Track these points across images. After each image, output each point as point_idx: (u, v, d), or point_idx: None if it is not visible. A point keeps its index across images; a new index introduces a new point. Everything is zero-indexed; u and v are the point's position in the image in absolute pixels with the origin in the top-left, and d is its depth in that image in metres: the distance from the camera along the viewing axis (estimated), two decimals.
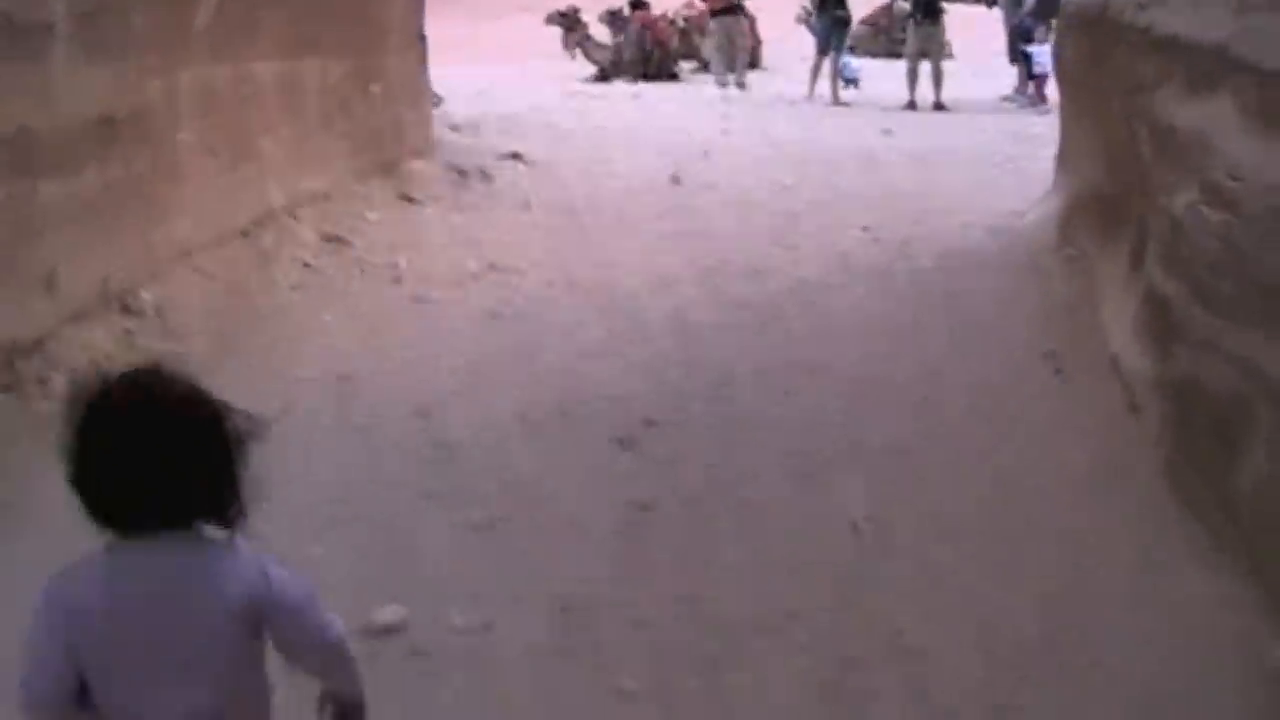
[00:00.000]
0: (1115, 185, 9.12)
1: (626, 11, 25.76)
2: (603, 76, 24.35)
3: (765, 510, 6.51)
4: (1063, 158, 11.74)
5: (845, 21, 23.01)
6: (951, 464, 6.98)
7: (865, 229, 12.33)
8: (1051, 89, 17.86)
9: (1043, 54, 21.17)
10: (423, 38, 14.93)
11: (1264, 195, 5.53)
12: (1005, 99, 21.95)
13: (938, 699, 4.82)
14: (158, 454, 2.66)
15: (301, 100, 11.61)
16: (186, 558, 2.75)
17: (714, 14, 24.15)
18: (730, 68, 23.82)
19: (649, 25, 25.05)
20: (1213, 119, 6.46)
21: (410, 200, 12.94)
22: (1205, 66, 6.81)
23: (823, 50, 22.46)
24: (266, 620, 2.81)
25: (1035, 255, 10.75)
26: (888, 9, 28.72)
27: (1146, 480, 6.42)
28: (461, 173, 14.09)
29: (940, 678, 4.96)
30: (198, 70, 9.66)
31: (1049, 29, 21.32)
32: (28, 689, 2.74)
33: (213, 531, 2.78)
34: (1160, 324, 6.84)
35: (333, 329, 9.33)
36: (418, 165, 13.97)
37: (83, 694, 2.75)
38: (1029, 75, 21.62)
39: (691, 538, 6.26)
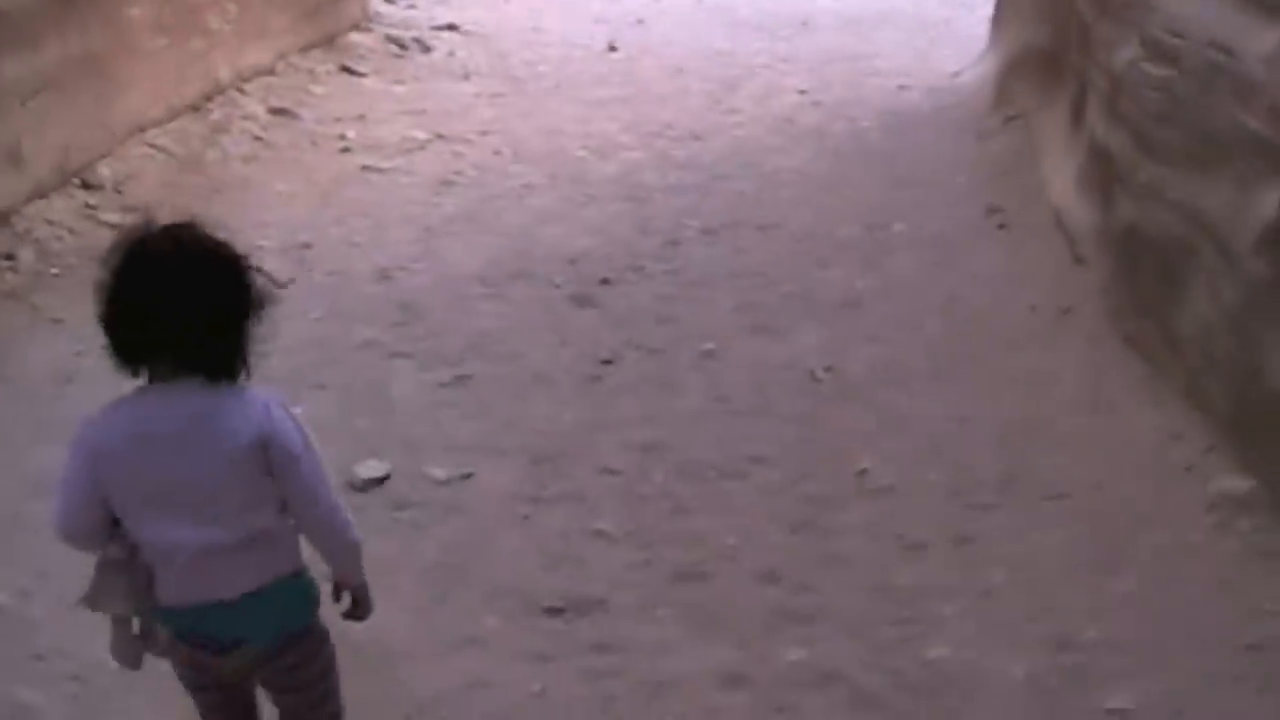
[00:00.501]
0: (1053, 45, 9.32)
1: None
2: None
3: (724, 361, 6.76)
4: (998, 19, 11.92)
5: None
6: (902, 315, 7.24)
7: (803, 92, 12.48)
8: None
9: None
10: None
11: (1203, 50, 5.74)
12: None
13: (905, 533, 5.09)
14: (184, 302, 2.81)
15: None
16: (202, 401, 2.88)
17: None
18: None
19: None
20: None
21: (352, 72, 12.97)
22: None
23: None
24: (269, 455, 2.92)
25: (972, 114, 10.93)
26: None
27: (1093, 325, 6.69)
28: (400, 44, 14.11)
29: (906, 513, 5.23)
30: None
31: None
32: (60, 520, 2.98)
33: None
34: (1104, 176, 7.08)
35: (288, 198, 9.44)
36: (357, 37, 13.98)
37: (117, 526, 2.98)
38: None
39: (654, 389, 6.50)
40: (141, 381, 2.92)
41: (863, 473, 5.54)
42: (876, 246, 8.31)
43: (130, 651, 3.15)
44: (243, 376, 2.94)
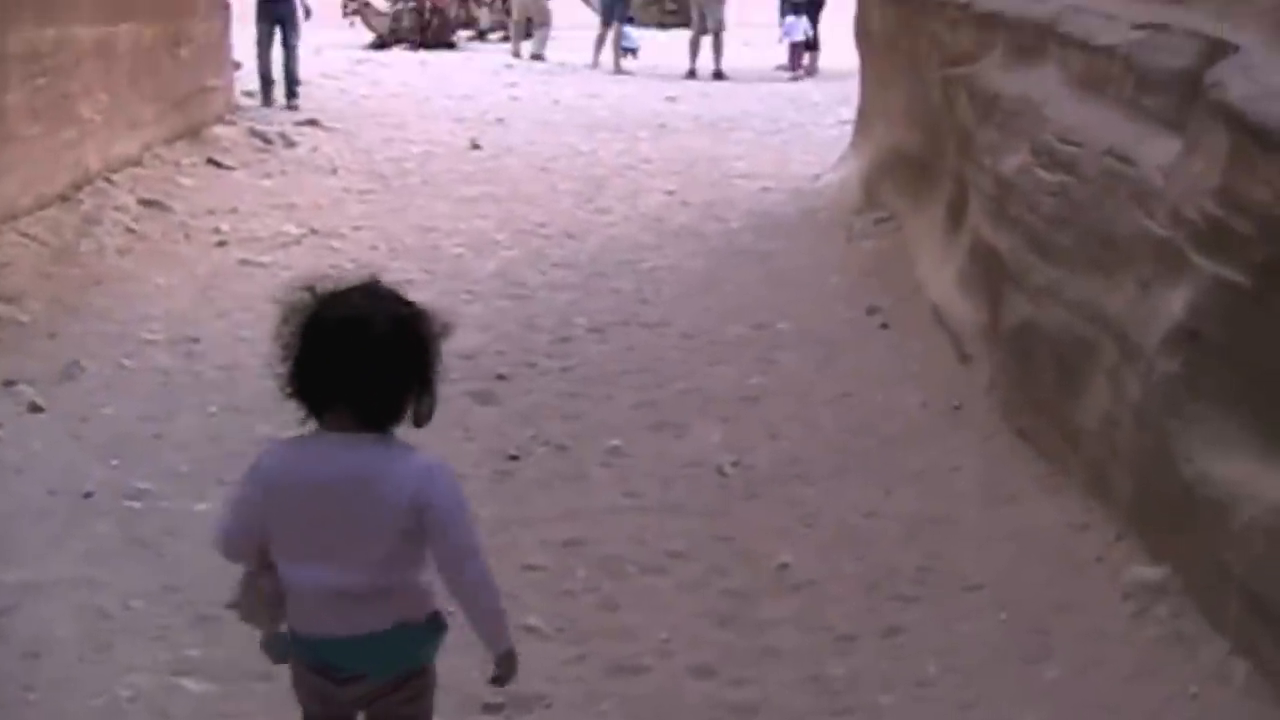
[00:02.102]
0: (926, 149, 9.62)
1: None
2: (381, 44, 24.30)
3: (631, 457, 6.82)
4: (863, 122, 12.27)
5: None
6: (799, 411, 7.38)
7: (670, 192, 12.73)
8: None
9: (794, 25, 21.92)
10: (226, 4, 14.90)
11: (1100, 158, 6.00)
12: (779, 68, 22.50)
13: (834, 625, 5.17)
14: (371, 359, 3.03)
15: (116, 64, 11.57)
16: (371, 454, 3.11)
17: None
18: (526, 36, 24.03)
19: None
20: (1040, 88, 6.95)
21: (219, 165, 12.97)
22: (1028, 40, 7.32)
23: (606, 21, 22.72)
24: (423, 518, 3.11)
25: (840, 216, 11.23)
26: None
27: (985, 421, 6.89)
28: (265, 138, 14.14)
29: (831, 606, 5.32)
30: (26, 33, 9.64)
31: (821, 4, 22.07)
32: (222, 535, 3.29)
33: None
34: (990, 277, 7.32)
35: (169, 291, 9.38)
36: (222, 130, 14.02)
37: (265, 554, 3.22)
38: (791, 45, 22.30)
39: (565, 485, 6.54)
40: (312, 427, 3.15)
41: (783, 567, 5.64)
42: (765, 345, 8.46)
43: (276, 648, 3.38)
44: (408, 428, 3.14)
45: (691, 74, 21.60)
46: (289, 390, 3.13)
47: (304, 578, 3.16)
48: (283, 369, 3.13)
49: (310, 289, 3.13)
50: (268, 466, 3.20)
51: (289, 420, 7.06)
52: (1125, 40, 6.07)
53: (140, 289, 9.42)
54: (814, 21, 22.27)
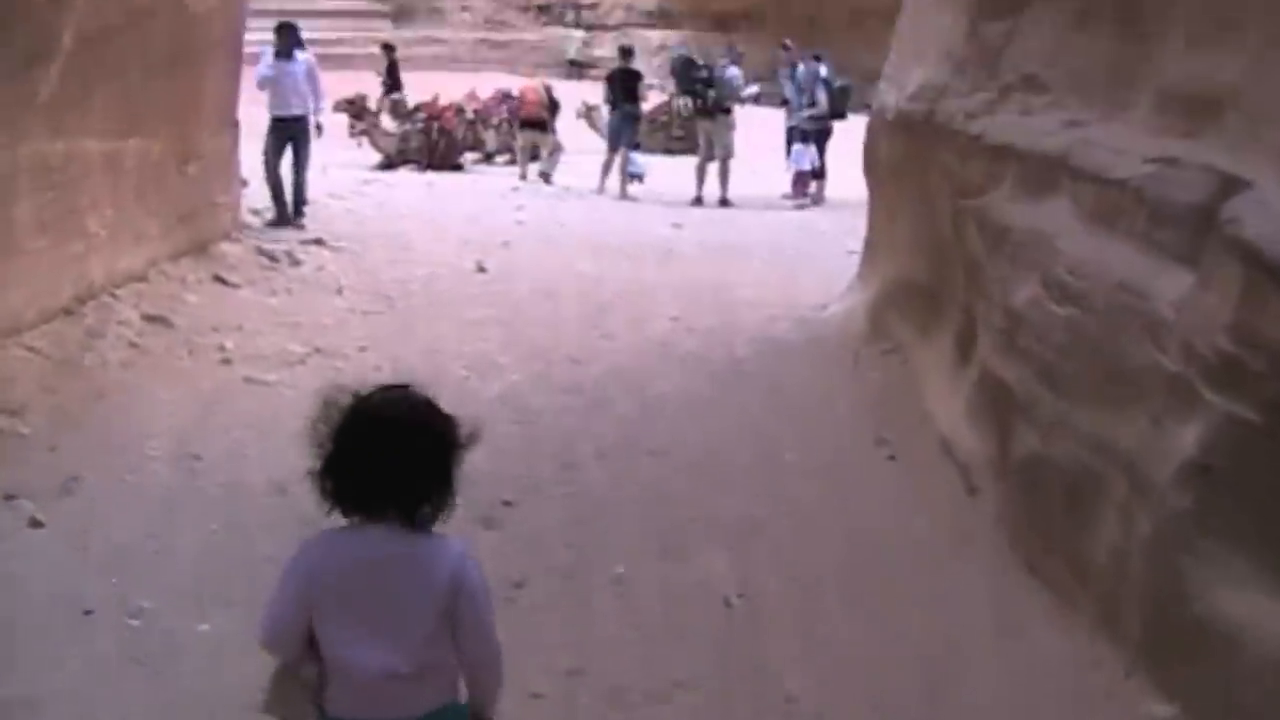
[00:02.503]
0: (934, 279, 9.64)
1: (410, 100, 25.97)
2: (388, 165, 24.43)
3: (635, 584, 6.76)
4: (870, 252, 12.30)
5: (635, 117, 23.46)
6: (805, 540, 7.32)
7: (675, 319, 12.71)
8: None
9: (801, 153, 22.07)
10: (236, 122, 14.99)
11: (1110, 291, 6.00)
12: (785, 196, 22.61)
13: None
14: (403, 458, 3.30)
15: (124, 179, 11.58)
16: (407, 541, 3.35)
17: (523, 125, 24.43)
18: (532, 159, 24.21)
19: (436, 116, 25.24)
20: (1051, 221, 6.97)
21: (225, 282, 12.97)
22: (1039, 173, 7.34)
23: (613, 146, 22.84)
24: (457, 598, 3.35)
25: (848, 345, 11.21)
26: (667, 105, 29.31)
27: (993, 553, 6.84)
28: (271, 257, 14.17)
29: None
30: (38, 145, 9.67)
31: (828, 133, 22.23)
32: (266, 626, 3.44)
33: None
34: (999, 409, 7.29)
35: (172, 407, 9.34)
36: (228, 248, 14.04)
37: (311, 643, 3.39)
38: (797, 173, 22.45)
39: (569, 612, 6.47)
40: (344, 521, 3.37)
41: (790, 699, 5.56)
42: (771, 473, 8.41)
43: None
44: (442, 516, 3.42)
45: (698, 201, 21.69)
46: (325, 488, 3.34)
47: (353, 660, 3.34)
48: (318, 467, 3.34)
49: (349, 392, 3.39)
50: (311, 555, 3.41)
51: (291, 538, 7.03)
52: (1138, 174, 6.10)
53: (143, 404, 9.38)
54: (821, 150, 22.42)
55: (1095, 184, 6.56)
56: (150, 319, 11.22)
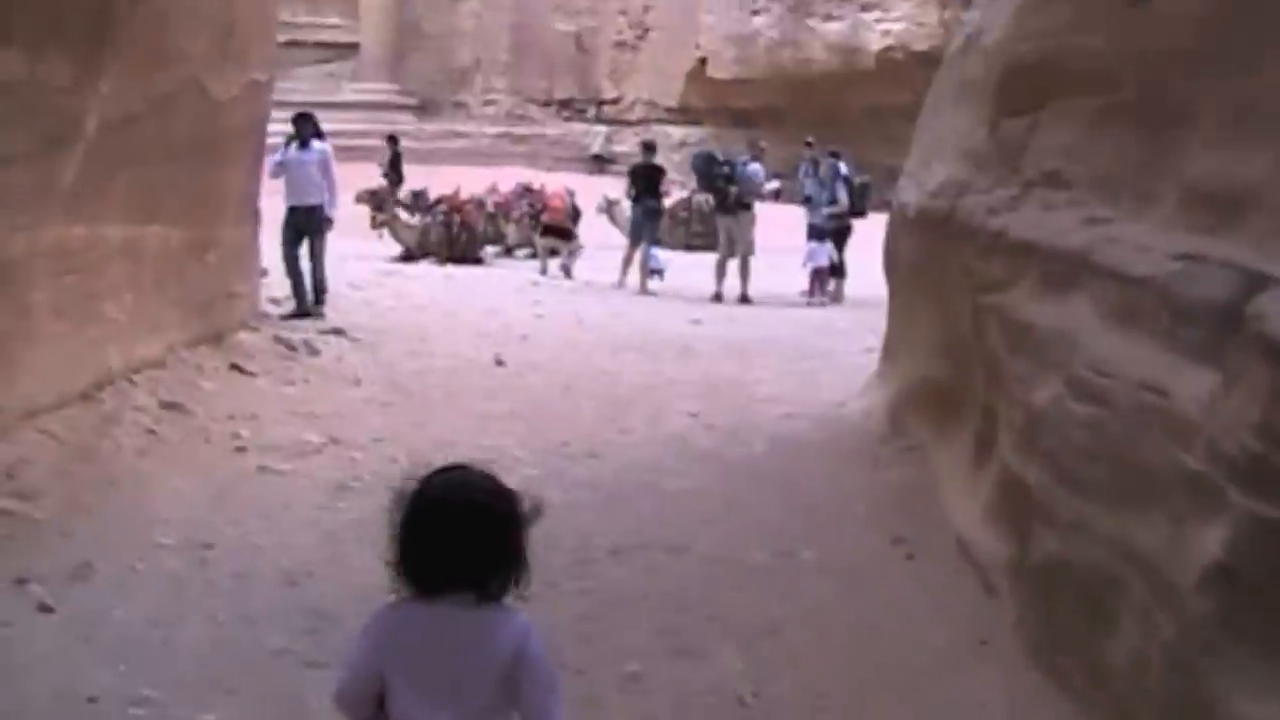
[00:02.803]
0: (954, 376, 9.56)
1: (432, 194, 26.07)
2: (409, 257, 24.51)
3: (648, 683, 6.64)
4: (889, 350, 12.25)
5: (657, 212, 23.52)
6: (821, 642, 7.20)
7: (693, 415, 12.64)
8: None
9: (819, 250, 22.08)
10: (257, 211, 15.03)
11: (1134, 391, 5.92)
12: (803, 294, 22.60)
13: None
14: (466, 538, 3.47)
15: (143, 266, 11.61)
16: (475, 614, 3.52)
17: (545, 231, 24.50)
18: (552, 254, 24.27)
19: (457, 208, 25.36)
20: (1073, 318, 6.90)
21: (242, 371, 12.96)
22: (1061, 270, 7.29)
23: (634, 241, 22.88)
24: (519, 668, 3.52)
25: (865, 443, 11.12)
26: (688, 201, 29.43)
27: (1011, 657, 6.70)
28: (289, 345, 14.17)
29: None
30: (57, 230, 9.69)
31: (848, 231, 22.26)
32: (342, 689, 3.60)
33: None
34: (1018, 510, 7.20)
35: (185, 496, 9.29)
36: (246, 336, 14.05)
37: (381, 707, 3.54)
38: (814, 270, 22.45)
39: (580, 711, 6.34)
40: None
41: None
42: (787, 573, 8.30)
43: None
44: (512, 590, 3.60)
45: (718, 297, 21.70)
46: (400, 570, 3.50)
47: None
48: (393, 552, 3.51)
49: (414, 479, 3.55)
50: (383, 623, 3.57)
51: (300, 631, 6.96)
52: (1161, 271, 6.02)
53: (156, 491, 9.33)
54: (840, 248, 22.43)
55: (1117, 281, 6.49)
56: (167, 405, 11.19)
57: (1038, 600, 6.73)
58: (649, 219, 22.98)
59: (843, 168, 22.83)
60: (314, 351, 14.24)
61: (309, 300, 16.26)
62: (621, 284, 22.56)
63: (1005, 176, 8.71)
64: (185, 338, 12.73)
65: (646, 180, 23.26)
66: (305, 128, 16.71)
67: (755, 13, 39.58)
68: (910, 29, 38.82)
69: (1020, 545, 7.11)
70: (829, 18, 39.25)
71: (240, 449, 10.55)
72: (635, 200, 23.29)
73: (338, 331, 15.37)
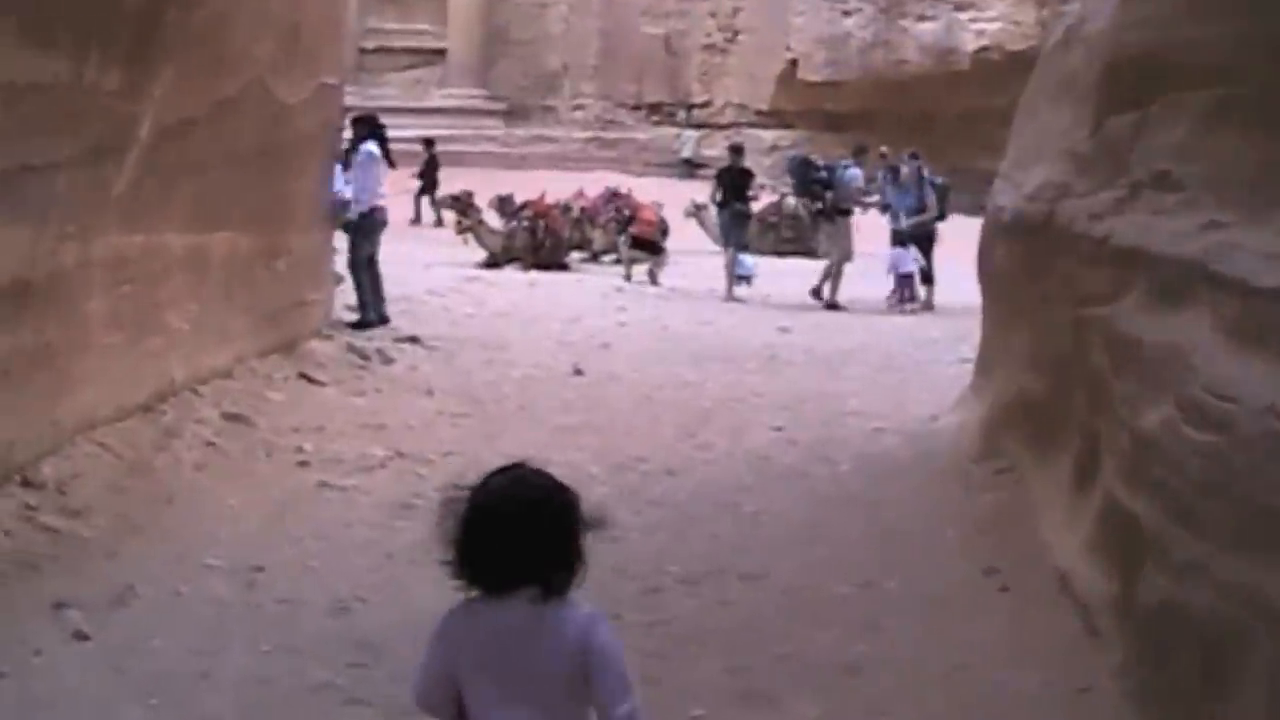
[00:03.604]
0: (1053, 395, 8.96)
1: (518, 199, 25.66)
2: (493, 263, 24.11)
3: None
4: (984, 363, 11.63)
5: (746, 217, 22.99)
6: (905, 686, 6.63)
7: (777, 429, 12.12)
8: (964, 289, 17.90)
9: (903, 255, 21.47)
10: (329, 216, 14.67)
11: (1259, 417, 5.34)
12: (888, 301, 22.01)
13: None
14: (524, 536, 3.49)
15: (208, 274, 11.26)
16: (538, 609, 3.51)
17: (635, 244, 23.95)
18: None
19: (543, 214, 24.94)
20: (1188, 334, 6.31)
21: (311, 380, 12.59)
22: (1174, 280, 6.70)
23: (727, 245, 22.35)
24: (588, 659, 3.52)
25: (957, 464, 10.53)
26: (777, 205, 28.87)
27: (1114, 708, 6.13)
28: (362, 355, 13.80)
29: None
30: (112, 239, 9.34)
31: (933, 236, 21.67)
32: (419, 692, 3.67)
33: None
34: (1125, 546, 6.61)
35: (240, 513, 8.91)
36: (318, 345, 13.68)
37: (461, 707, 3.60)
38: (900, 276, 21.86)
39: None
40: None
41: None
42: (871, 606, 7.73)
43: None
44: (574, 584, 3.57)
45: (818, 295, 21.28)
46: (463, 571, 3.51)
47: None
48: (455, 553, 3.50)
49: (467, 487, 3.56)
50: (451, 627, 3.61)
51: (346, 665, 6.50)
52: None
53: (211, 509, 8.96)
54: (926, 253, 21.81)
55: (1240, 293, 5.88)
56: (230, 417, 10.84)
57: (1146, 647, 6.14)
58: (736, 223, 22.46)
59: (925, 171, 22.25)
60: (387, 360, 13.87)
61: (368, 311, 15.69)
62: (730, 295, 21.91)
63: (1110, 178, 8.08)
64: (255, 347, 12.37)
65: (735, 184, 22.72)
66: (358, 130, 16.26)
67: (847, 13, 38.86)
68: (1006, 29, 38.05)
69: (1127, 584, 6.51)
70: (922, 18, 38.54)
71: (302, 463, 10.16)
72: (722, 205, 22.75)
73: (414, 339, 15.02)
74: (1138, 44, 8.06)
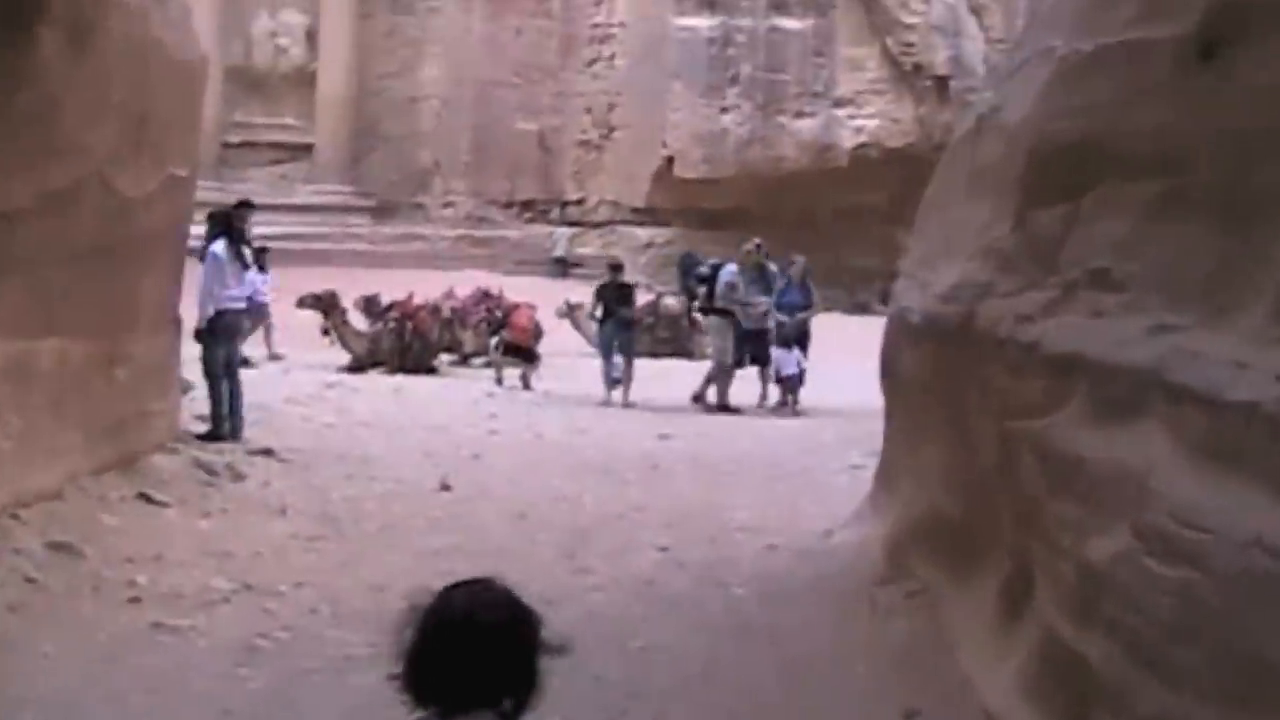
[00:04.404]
0: (973, 513, 8.11)
1: (385, 299, 24.58)
2: (358, 366, 22.99)
3: None
4: (886, 476, 10.76)
5: (630, 322, 21.95)
6: None
7: (663, 549, 11.19)
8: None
9: (787, 358, 20.71)
10: (177, 320, 13.56)
11: (1241, 551, 4.51)
12: (762, 405, 21.15)
13: None
14: (485, 657, 3.26)
15: (34, 384, 10.12)
16: None
17: (508, 350, 22.82)
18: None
19: (410, 315, 23.88)
20: (1141, 452, 5.47)
21: (152, 501, 11.44)
22: (1121, 391, 5.87)
23: (607, 355, 21.26)
24: None
25: (861, 585, 9.64)
26: (654, 306, 28.07)
27: None
28: (210, 471, 12.67)
29: None
30: None
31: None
32: None
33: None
34: (1072, 687, 5.77)
35: (57, 664, 7.77)
36: (162, 461, 12.53)
37: None
38: (776, 379, 21.02)
39: None
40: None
41: None
42: None
43: None
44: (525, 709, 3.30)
45: (699, 399, 20.55)
46: (414, 689, 3.25)
47: None
48: (407, 669, 3.25)
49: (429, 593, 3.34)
50: None
51: None
52: (1269, 396, 4.66)
53: (24, 660, 7.82)
54: (805, 351, 21.12)
55: (1207, 408, 5.06)
56: (55, 547, 9.67)
57: None
58: (621, 331, 21.39)
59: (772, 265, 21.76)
60: (238, 477, 12.76)
61: (222, 422, 14.55)
62: (609, 399, 20.93)
63: (1038, 277, 7.27)
64: (89, 464, 11.22)
65: (615, 298, 21.71)
66: (211, 227, 15.20)
67: (724, 110, 38.38)
68: (885, 125, 37.94)
69: None
70: (800, 114, 38.19)
71: (134, 599, 9.04)
72: (603, 320, 21.57)
73: (268, 453, 13.93)
74: (1068, 131, 7.30)
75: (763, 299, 21.00)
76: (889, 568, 9.61)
